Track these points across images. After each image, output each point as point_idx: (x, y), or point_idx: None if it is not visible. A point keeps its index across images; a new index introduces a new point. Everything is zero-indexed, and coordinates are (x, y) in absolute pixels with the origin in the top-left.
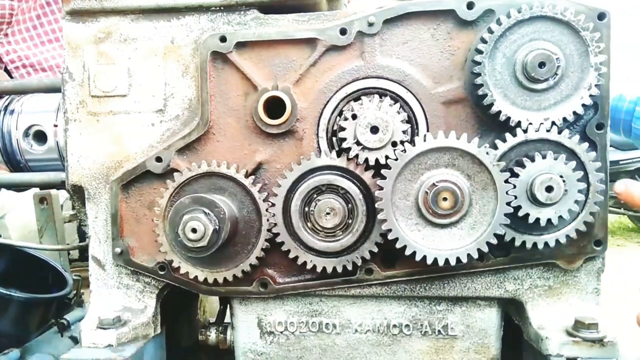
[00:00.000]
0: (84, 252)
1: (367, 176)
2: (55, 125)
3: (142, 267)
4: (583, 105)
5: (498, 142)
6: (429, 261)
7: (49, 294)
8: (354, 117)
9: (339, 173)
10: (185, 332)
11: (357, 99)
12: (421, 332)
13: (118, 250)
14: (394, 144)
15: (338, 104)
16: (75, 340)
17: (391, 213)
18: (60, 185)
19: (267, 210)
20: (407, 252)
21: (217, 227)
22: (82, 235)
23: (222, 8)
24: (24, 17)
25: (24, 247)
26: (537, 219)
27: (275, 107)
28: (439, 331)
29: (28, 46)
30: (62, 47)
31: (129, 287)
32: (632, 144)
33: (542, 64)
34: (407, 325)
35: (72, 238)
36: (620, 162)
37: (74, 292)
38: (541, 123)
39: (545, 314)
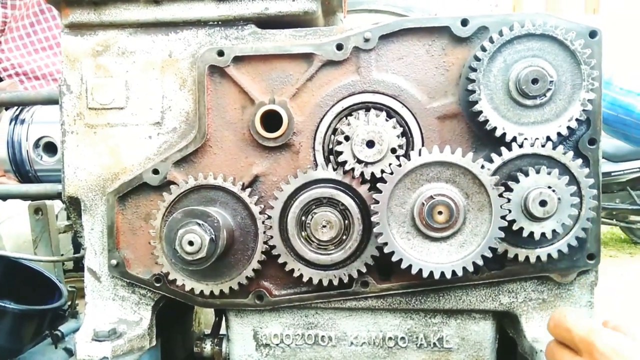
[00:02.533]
0: (78, 263)
1: (363, 190)
2: None
3: (138, 279)
4: (576, 120)
5: (493, 156)
6: (425, 274)
7: (44, 305)
8: (347, 138)
9: (336, 187)
10: (181, 344)
11: (353, 113)
12: (417, 344)
13: (114, 262)
14: (394, 151)
15: (334, 118)
16: (70, 352)
17: (387, 226)
18: (57, 196)
19: (263, 222)
20: (403, 266)
21: (214, 237)
22: (77, 246)
23: (219, 23)
24: (17, 24)
25: (19, 258)
26: (531, 233)
27: (272, 120)
28: (434, 344)
29: (21, 54)
30: (55, 55)
31: (124, 299)
32: (623, 156)
33: (535, 81)
34: (402, 338)
35: (66, 249)
36: (613, 174)
37: (69, 303)
38: (536, 138)
39: (539, 327)
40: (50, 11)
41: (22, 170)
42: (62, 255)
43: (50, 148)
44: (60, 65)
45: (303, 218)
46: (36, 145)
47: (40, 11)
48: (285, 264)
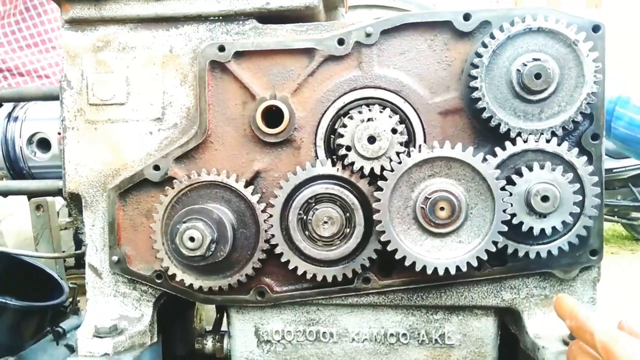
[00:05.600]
0: (80, 259)
1: (365, 186)
2: (59, 133)
3: (139, 276)
4: (578, 116)
5: (495, 152)
6: (429, 271)
7: (45, 301)
8: (348, 134)
9: (337, 182)
10: (182, 341)
11: (355, 109)
12: (418, 341)
13: (115, 258)
14: (395, 147)
15: (336, 113)
16: (71, 349)
17: (389, 221)
18: (57, 193)
19: (265, 218)
20: (407, 263)
21: (215, 234)
22: (78, 242)
23: (220, 18)
24: (2, 22)
25: (20, 255)
26: (533, 229)
27: (273, 116)
28: (435, 340)
29: (5, 51)
30: (41, 52)
31: (125, 295)
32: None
33: (538, 75)
34: (404, 334)
35: (68, 245)
36: (614, 170)
37: (70, 300)
38: (540, 134)
39: (541, 323)
40: (36, 9)
41: (16, 168)
42: (63, 252)
43: (44, 144)
44: (45, 62)
45: (304, 214)
46: (29, 141)
47: (26, 9)
48: (286, 260)
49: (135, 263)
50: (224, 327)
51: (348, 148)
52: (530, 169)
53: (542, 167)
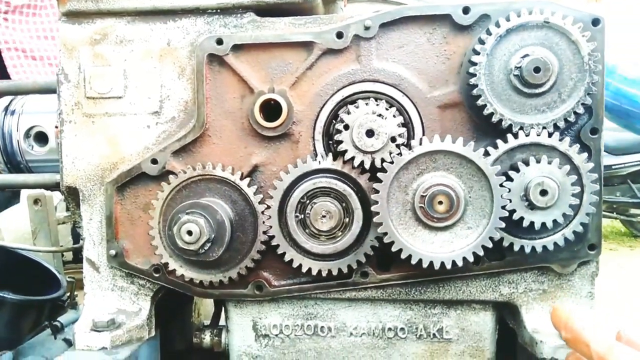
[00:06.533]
0: (77, 253)
1: (363, 180)
2: (57, 127)
3: (137, 270)
4: (578, 109)
5: (494, 146)
6: (425, 264)
7: (43, 296)
8: (347, 127)
9: (336, 176)
10: (180, 335)
11: (353, 102)
12: (416, 335)
13: (112, 252)
14: (394, 140)
15: (334, 107)
16: (69, 343)
17: (387, 216)
18: (55, 186)
19: (262, 212)
20: (403, 256)
21: (213, 227)
22: (76, 237)
23: (218, 11)
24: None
25: (18, 249)
26: (532, 223)
27: (271, 109)
28: (433, 334)
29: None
30: (38, 38)
31: (123, 289)
32: (624, 149)
33: (537, 69)
34: (402, 329)
35: (66, 240)
36: (613, 167)
37: (68, 294)
38: (540, 127)
39: (539, 317)
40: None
41: (13, 162)
42: (61, 246)
43: (41, 138)
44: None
45: (302, 208)
46: (27, 135)
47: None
48: (284, 254)
49: (132, 257)
50: (222, 322)
51: (346, 142)
52: (528, 163)
53: (539, 161)
